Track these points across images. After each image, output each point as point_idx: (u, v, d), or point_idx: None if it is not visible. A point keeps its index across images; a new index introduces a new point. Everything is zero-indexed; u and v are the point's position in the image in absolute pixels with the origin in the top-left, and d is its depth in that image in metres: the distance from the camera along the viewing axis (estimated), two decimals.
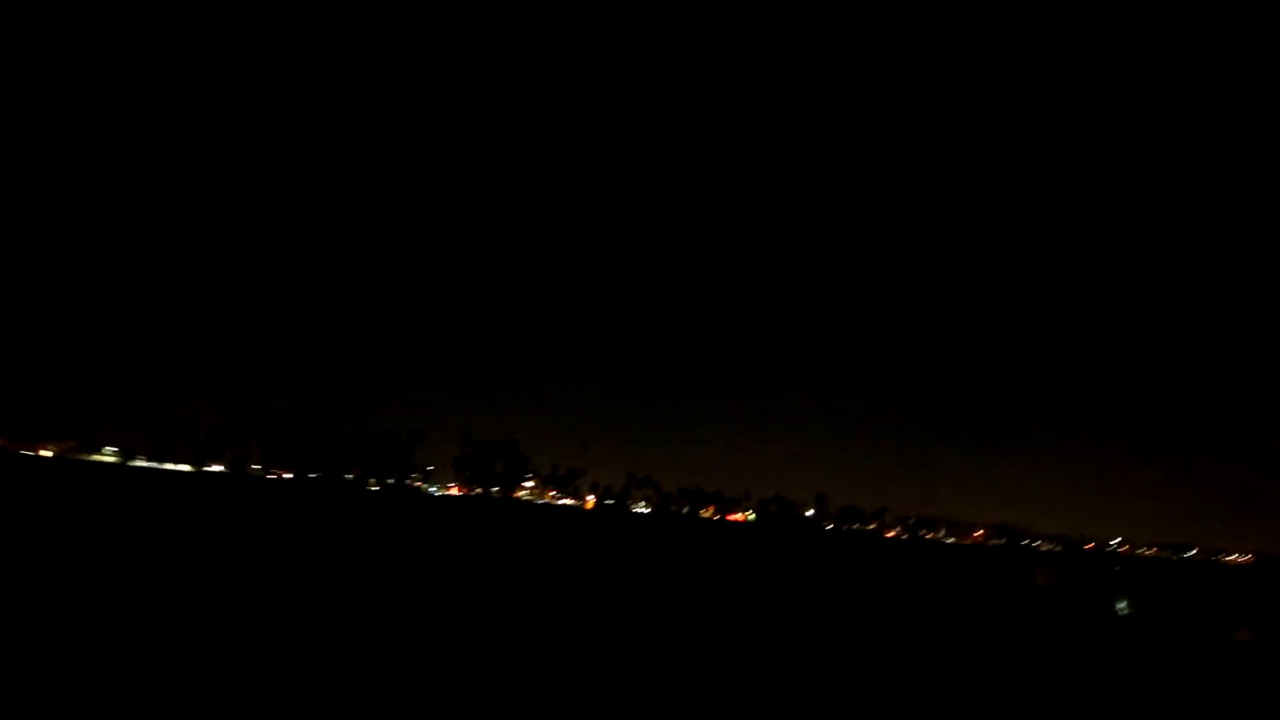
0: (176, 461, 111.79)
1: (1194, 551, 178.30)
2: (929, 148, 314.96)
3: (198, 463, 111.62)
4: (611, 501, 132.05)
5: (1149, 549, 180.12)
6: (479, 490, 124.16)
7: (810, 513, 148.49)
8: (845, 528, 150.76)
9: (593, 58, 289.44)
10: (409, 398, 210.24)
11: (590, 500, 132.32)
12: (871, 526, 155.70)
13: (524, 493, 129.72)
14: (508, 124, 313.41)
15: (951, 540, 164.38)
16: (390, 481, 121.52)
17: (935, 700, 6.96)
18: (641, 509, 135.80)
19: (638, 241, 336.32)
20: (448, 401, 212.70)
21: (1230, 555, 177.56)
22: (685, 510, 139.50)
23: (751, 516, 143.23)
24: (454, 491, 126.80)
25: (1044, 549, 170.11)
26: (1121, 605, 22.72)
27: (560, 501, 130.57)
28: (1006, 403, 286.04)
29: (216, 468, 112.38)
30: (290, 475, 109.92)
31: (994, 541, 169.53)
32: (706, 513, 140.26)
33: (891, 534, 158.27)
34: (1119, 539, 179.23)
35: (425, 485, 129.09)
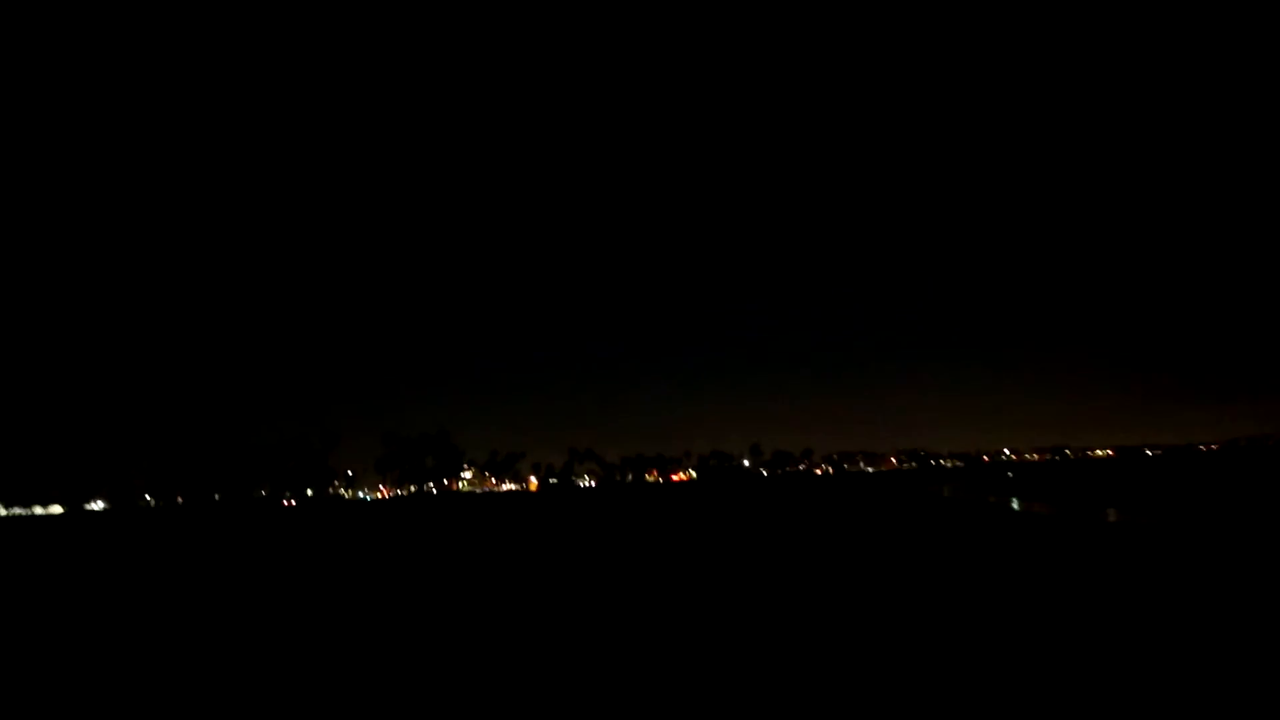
0: (45, 504, 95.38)
1: (1067, 452, 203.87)
2: (838, 88, 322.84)
3: (71, 502, 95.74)
4: (555, 480, 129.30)
5: (1033, 455, 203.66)
6: (412, 489, 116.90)
7: (746, 462, 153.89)
8: (779, 471, 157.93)
9: (526, 25, 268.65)
10: (318, 400, 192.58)
11: (534, 482, 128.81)
12: (802, 467, 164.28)
13: (463, 484, 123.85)
14: (424, 104, 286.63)
15: (871, 469, 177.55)
16: (309, 493, 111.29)
17: (878, 592, 8.48)
18: (587, 483, 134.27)
19: (537, 214, 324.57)
20: (364, 401, 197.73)
21: (1096, 450, 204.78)
22: (629, 478, 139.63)
23: (693, 475, 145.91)
24: (385, 493, 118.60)
25: (950, 466, 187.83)
26: (1014, 503, 25.76)
27: (505, 487, 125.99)
28: (905, 340, 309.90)
29: (96, 505, 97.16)
30: (182, 501, 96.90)
31: (907, 465, 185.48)
32: (651, 477, 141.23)
33: (820, 471, 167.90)
34: (1008, 450, 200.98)
35: (350, 491, 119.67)
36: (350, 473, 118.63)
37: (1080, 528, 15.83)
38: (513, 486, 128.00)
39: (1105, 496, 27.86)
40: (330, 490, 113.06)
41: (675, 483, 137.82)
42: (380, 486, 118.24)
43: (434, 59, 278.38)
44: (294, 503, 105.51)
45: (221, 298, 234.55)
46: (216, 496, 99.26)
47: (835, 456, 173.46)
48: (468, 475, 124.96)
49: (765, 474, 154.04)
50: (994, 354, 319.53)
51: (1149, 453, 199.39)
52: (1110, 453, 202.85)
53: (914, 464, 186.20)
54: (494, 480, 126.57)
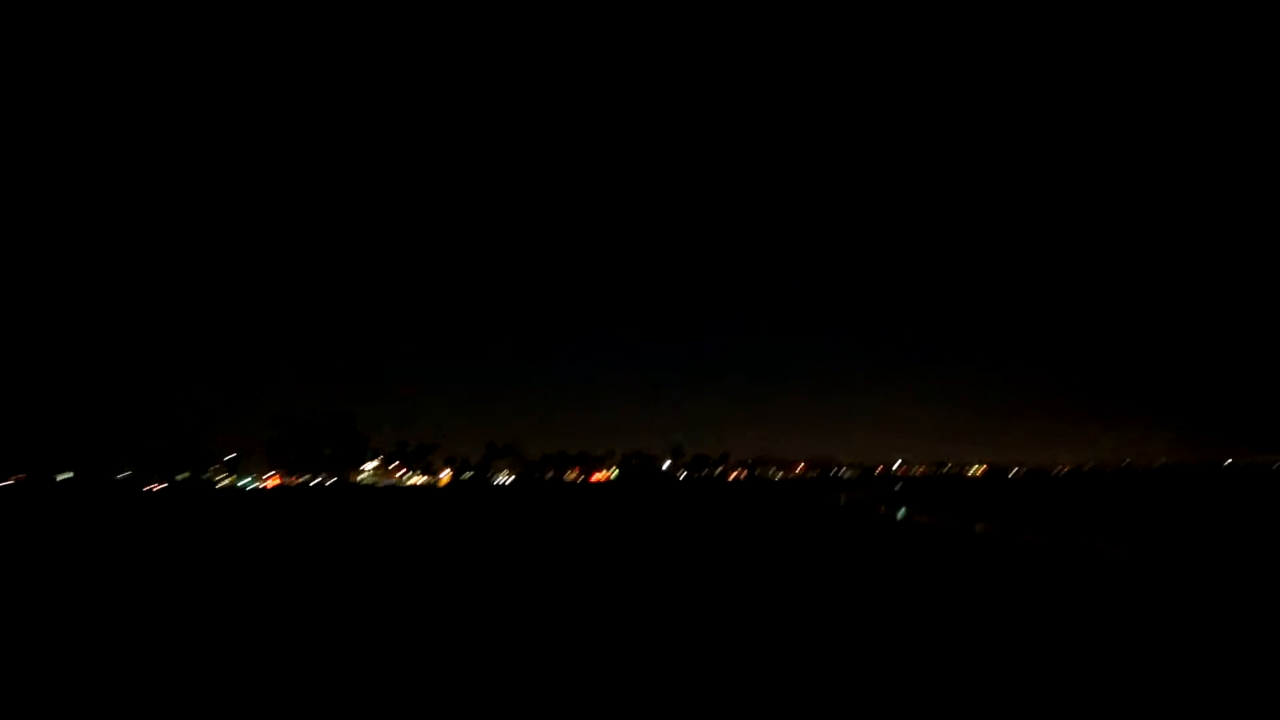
0: None
1: (949, 466, 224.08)
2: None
3: None
4: (470, 474, 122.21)
5: (920, 468, 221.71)
6: (306, 477, 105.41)
7: (667, 464, 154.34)
8: (697, 474, 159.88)
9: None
10: (203, 372, 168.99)
11: (446, 475, 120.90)
12: (719, 471, 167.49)
13: (365, 475, 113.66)
14: (355, 87, 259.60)
15: (780, 475, 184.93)
16: (182, 477, 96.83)
17: (781, 585, 9.53)
18: (503, 479, 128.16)
19: (471, 207, 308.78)
20: (256, 377, 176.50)
21: (970, 469, 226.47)
22: (550, 475, 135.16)
23: (614, 474, 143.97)
24: (272, 483, 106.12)
25: (846, 475, 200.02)
26: (900, 513, 28.35)
27: (412, 480, 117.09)
28: (819, 353, 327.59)
29: None
30: (13, 481, 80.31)
31: (810, 474, 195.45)
32: (572, 475, 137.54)
33: (733, 476, 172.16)
34: (899, 462, 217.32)
35: (231, 479, 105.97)
36: (233, 455, 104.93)
37: (953, 536, 17.91)
38: (421, 479, 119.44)
39: (976, 510, 31.96)
40: (208, 475, 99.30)
41: (594, 482, 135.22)
42: (271, 474, 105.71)
43: (385, 36, 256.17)
44: (161, 487, 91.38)
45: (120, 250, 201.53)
46: (61, 476, 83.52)
47: (750, 461, 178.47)
48: (370, 466, 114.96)
49: (680, 477, 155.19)
50: (893, 370, 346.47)
51: (1011, 473, 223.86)
52: (982, 469, 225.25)
53: (817, 471, 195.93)
54: (403, 472, 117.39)
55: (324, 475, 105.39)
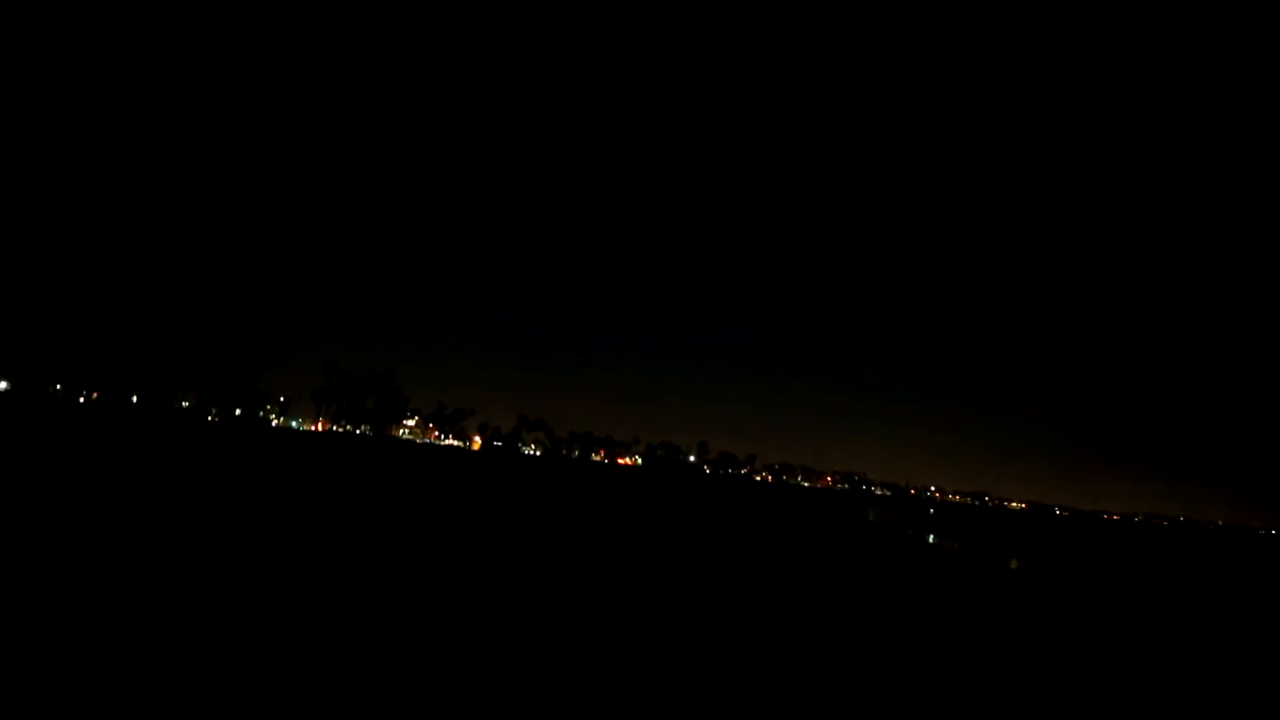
0: None
1: (986, 498, 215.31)
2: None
3: None
4: (500, 444, 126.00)
5: (955, 495, 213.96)
6: (347, 427, 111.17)
7: (692, 458, 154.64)
8: (722, 472, 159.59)
9: None
10: (265, 318, 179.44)
11: (477, 441, 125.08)
12: (744, 471, 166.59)
13: (404, 431, 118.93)
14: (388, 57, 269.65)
15: (807, 484, 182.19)
16: (237, 413, 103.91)
17: (804, 592, 9.78)
18: (532, 451, 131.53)
19: (535, 183, 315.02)
20: (311, 327, 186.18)
21: (1011, 502, 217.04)
22: (576, 454, 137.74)
23: (638, 461, 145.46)
24: (320, 427, 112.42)
25: (879, 493, 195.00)
26: (930, 537, 28.34)
27: (445, 442, 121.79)
28: (858, 369, 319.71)
29: None
30: (95, 396, 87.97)
31: (841, 486, 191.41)
32: (597, 457, 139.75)
33: (759, 478, 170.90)
34: (933, 487, 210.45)
35: (281, 419, 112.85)
36: (283, 399, 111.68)
37: (982, 568, 17.71)
38: (455, 443, 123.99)
39: (1012, 545, 31.32)
40: (261, 414, 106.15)
41: (621, 466, 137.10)
42: (318, 419, 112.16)
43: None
44: (217, 419, 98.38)
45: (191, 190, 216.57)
46: (134, 398, 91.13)
47: (776, 466, 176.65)
48: (410, 424, 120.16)
49: (708, 471, 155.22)
50: (936, 397, 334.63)
51: (1058, 511, 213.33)
52: (1024, 505, 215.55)
53: (847, 485, 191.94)
54: (437, 433, 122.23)
55: (365, 427, 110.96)
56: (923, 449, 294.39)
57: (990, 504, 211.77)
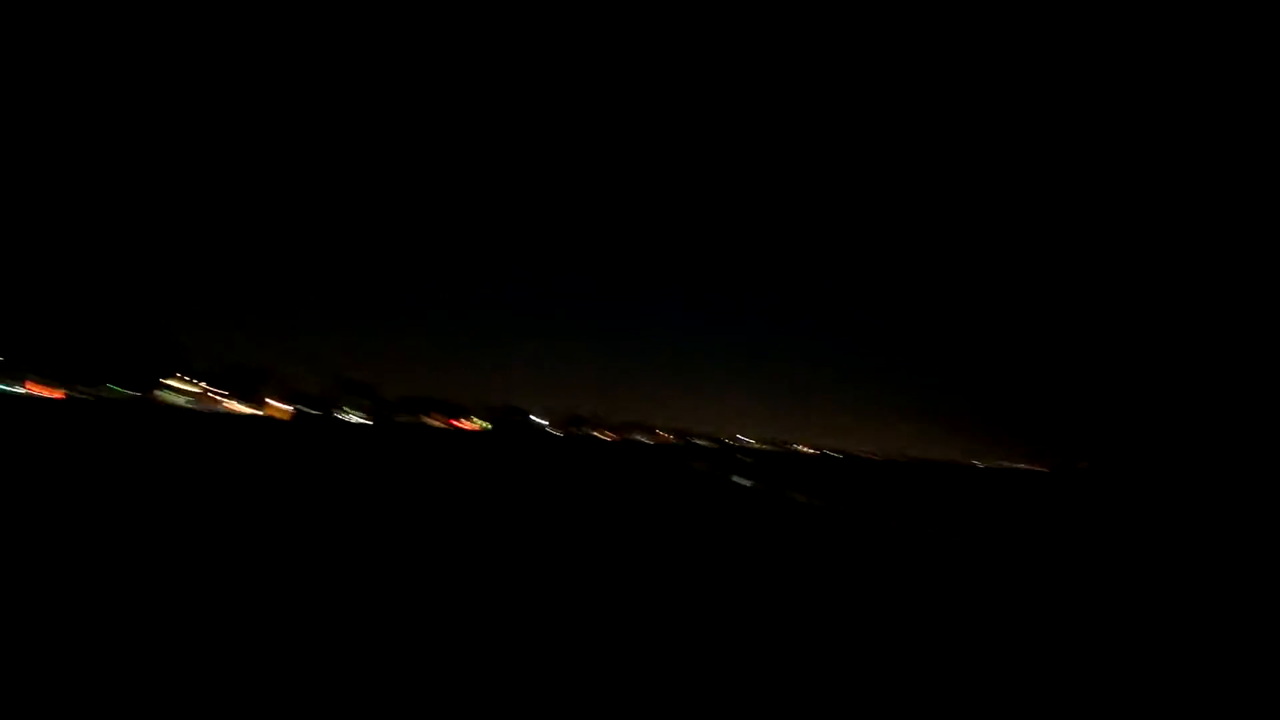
0: None
1: (789, 445, 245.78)
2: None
3: None
4: (314, 410, 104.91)
5: (763, 444, 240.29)
6: (76, 391, 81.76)
7: (541, 421, 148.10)
8: (573, 431, 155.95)
9: None
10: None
11: (283, 408, 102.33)
12: (591, 431, 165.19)
13: (170, 395, 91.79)
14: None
15: (649, 441, 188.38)
16: None
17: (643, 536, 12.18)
18: (355, 418, 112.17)
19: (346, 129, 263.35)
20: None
21: (803, 448, 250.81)
22: (404, 419, 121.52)
23: (483, 424, 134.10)
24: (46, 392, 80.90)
25: (704, 445, 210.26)
26: (744, 481, 32.73)
27: (235, 409, 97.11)
28: (683, 328, 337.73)
29: None
30: None
31: (673, 442, 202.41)
32: (434, 421, 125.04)
33: (607, 436, 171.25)
34: (745, 438, 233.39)
35: None
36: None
37: (779, 501, 20.92)
38: (249, 409, 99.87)
39: (801, 484, 36.85)
40: None
41: (461, 430, 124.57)
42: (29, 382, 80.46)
43: None
44: None
45: None
46: None
47: (621, 425, 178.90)
48: (182, 385, 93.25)
49: (559, 434, 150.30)
50: (749, 355, 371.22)
51: (840, 455, 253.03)
52: (817, 451, 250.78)
53: (677, 439, 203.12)
54: (225, 399, 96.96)
55: (104, 389, 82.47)
56: (737, 404, 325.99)
57: (790, 450, 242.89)
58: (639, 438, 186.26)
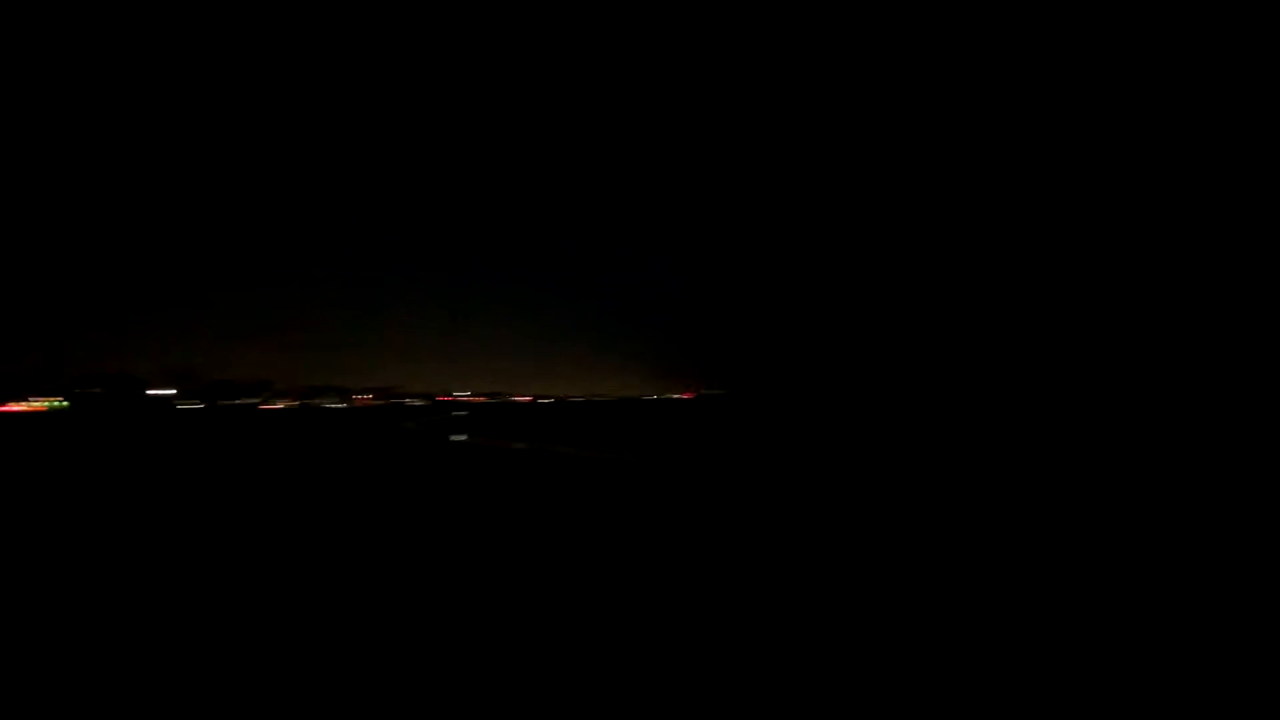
0: None
1: (503, 396, 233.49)
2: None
3: None
4: None
5: (482, 397, 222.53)
6: None
7: (168, 392, 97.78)
8: (220, 403, 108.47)
9: None
10: None
11: None
12: (255, 401, 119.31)
13: None
14: None
15: (343, 405, 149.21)
16: None
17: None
18: None
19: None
20: None
21: (520, 397, 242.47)
22: None
23: (53, 403, 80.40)
24: None
25: (414, 404, 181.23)
26: (459, 437, 31.36)
27: None
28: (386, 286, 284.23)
29: None
30: None
31: (379, 402, 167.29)
32: None
33: (281, 405, 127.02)
34: (466, 392, 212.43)
35: None
36: None
37: (497, 452, 20.95)
38: None
39: (520, 432, 36.91)
40: None
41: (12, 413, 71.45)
42: None
43: None
44: None
45: None
46: None
47: (305, 390, 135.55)
48: None
49: (196, 406, 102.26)
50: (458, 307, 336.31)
51: (544, 400, 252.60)
52: (531, 399, 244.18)
53: (385, 400, 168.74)
54: None
55: None
56: (451, 359, 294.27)
57: (506, 401, 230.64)
58: (334, 402, 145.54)
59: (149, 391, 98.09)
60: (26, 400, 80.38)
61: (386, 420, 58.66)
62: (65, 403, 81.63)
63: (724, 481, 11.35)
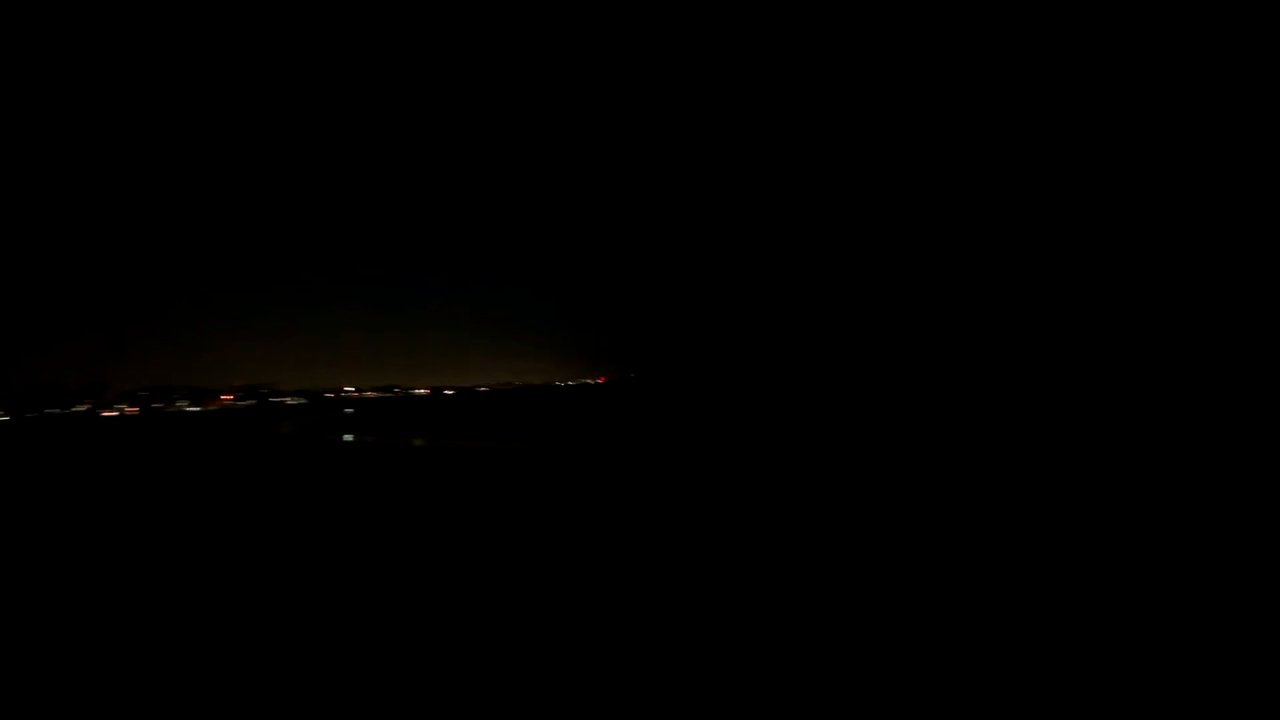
0: None
1: (397, 390, 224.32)
2: None
3: None
4: None
5: (371, 392, 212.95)
6: None
7: None
8: (26, 415, 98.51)
9: None
10: None
11: None
12: (84, 407, 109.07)
13: None
14: None
15: (198, 408, 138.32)
16: None
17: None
18: None
19: None
20: None
21: (418, 390, 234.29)
22: None
23: None
24: None
25: (293, 403, 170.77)
26: (348, 438, 28.92)
27: None
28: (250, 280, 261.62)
29: None
30: None
31: (245, 402, 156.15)
32: None
33: (110, 413, 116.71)
34: (352, 387, 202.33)
35: None
36: None
37: (398, 452, 19.19)
38: None
39: (418, 428, 34.76)
40: None
41: None
42: None
43: None
44: None
45: None
46: None
47: (147, 392, 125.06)
48: None
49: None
50: (339, 302, 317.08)
51: (447, 391, 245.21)
52: (427, 391, 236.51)
53: (253, 401, 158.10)
54: None
55: None
56: (334, 352, 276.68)
57: (400, 394, 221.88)
58: (185, 406, 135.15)
59: None
60: None
61: (255, 423, 53.01)
62: None
63: (640, 468, 11.80)
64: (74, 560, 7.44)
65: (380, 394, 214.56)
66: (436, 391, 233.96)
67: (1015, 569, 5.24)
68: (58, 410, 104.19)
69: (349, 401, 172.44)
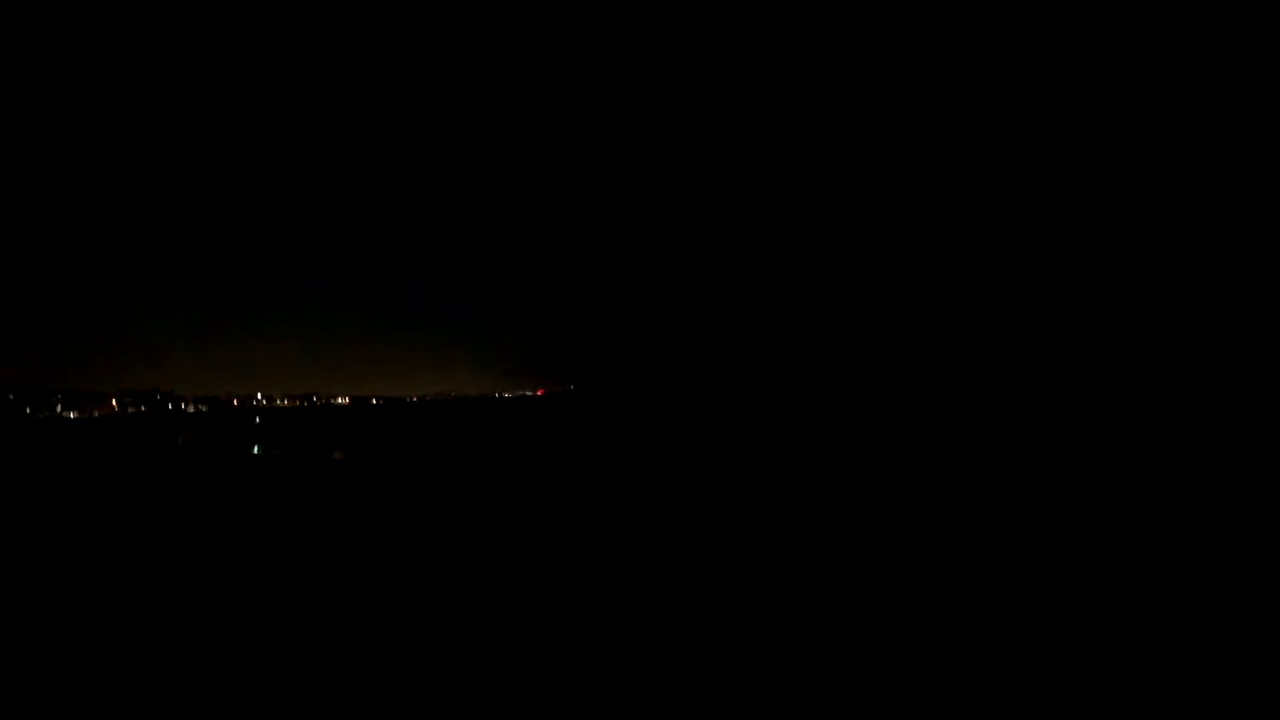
0: None
1: (316, 398, 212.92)
2: None
3: None
4: None
5: (285, 400, 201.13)
6: None
7: None
8: None
9: None
10: None
11: None
12: None
13: None
14: None
15: (74, 415, 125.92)
16: None
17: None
18: None
19: None
20: None
21: (339, 399, 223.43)
22: None
23: None
24: None
25: (194, 410, 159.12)
26: (255, 449, 27.19)
27: None
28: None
29: None
30: None
31: (133, 409, 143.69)
32: None
33: None
34: (260, 394, 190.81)
35: None
36: None
37: (310, 465, 18.35)
38: None
39: (336, 440, 33.50)
40: None
41: None
42: None
43: None
44: None
45: None
46: None
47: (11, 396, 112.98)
48: None
49: None
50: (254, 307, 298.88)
51: (375, 400, 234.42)
52: (348, 400, 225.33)
53: (143, 408, 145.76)
54: None
55: None
56: (243, 357, 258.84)
57: (320, 403, 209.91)
58: (61, 413, 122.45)
59: None
60: None
61: (147, 433, 47.38)
62: None
63: (572, 482, 11.66)
64: None
65: (299, 403, 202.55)
66: (360, 402, 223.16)
67: (1009, 570, 5.18)
68: None
69: (258, 410, 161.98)
